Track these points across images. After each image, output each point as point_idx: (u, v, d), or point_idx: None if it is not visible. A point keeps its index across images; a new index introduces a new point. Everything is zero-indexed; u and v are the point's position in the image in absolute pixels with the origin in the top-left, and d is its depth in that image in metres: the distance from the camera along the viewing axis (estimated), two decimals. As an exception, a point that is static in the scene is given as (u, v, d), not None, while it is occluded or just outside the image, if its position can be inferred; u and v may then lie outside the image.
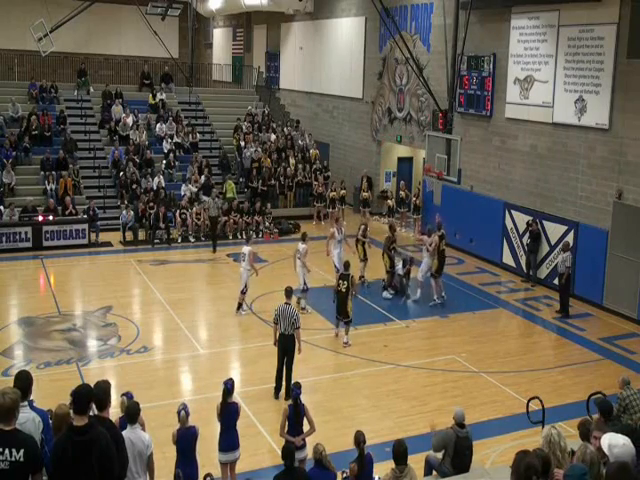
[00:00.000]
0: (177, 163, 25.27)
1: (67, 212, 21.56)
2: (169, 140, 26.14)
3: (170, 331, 14.89)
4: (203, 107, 29.65)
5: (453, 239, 20.22)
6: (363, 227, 18.18)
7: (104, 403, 5.88)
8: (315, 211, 25.34)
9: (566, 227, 17.63)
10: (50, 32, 28.52)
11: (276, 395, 11.79)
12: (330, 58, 28.65)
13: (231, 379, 8.89)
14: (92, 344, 14.06)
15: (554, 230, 18.03)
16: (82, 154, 24.85)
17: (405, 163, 26.64)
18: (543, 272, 18.49)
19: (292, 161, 26.35)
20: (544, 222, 18.36)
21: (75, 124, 26.31)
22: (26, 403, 5.48)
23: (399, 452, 7.34)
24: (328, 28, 28.78)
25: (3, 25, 34.36)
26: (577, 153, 17.35)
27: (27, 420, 5.41)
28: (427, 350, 14.36)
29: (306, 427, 9.04)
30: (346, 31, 27.50)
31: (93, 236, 21.13)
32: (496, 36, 19.84)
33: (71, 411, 5.41)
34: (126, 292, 17.45)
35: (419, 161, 24.30)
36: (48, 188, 22.48)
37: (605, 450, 5.11)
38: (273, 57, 33.83)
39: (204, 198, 22.97)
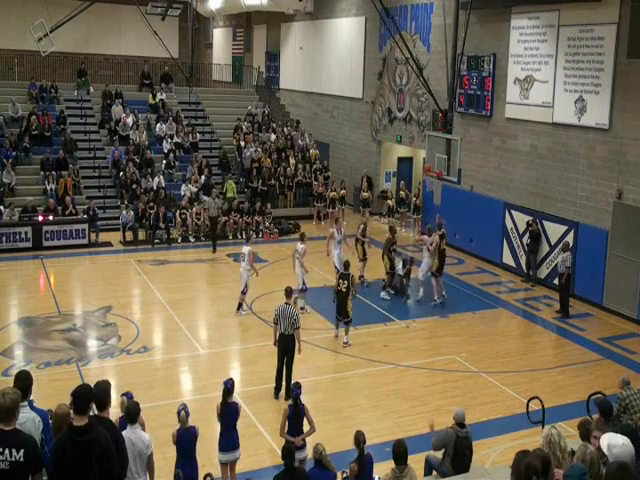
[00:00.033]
0: (177, 163, 25.28)
1: (67, 212, 21.56)
2: (169, 140, 26.15)
3: (170, 331, 14.89)
4: (203, 107, 29.65)
5: (453, 239, 20.22)
6: (362, 226, 18.19)
7: (104, 403, 5.88)
8: (315, 211, 25.34)
9: (566, 227, 17.63)
10: (50, 32, 28.56)
11: (276, 395, 11.79)
12: (330, 58, 28.65)
13: (231, 379, 8.90)
14: (92, 344, 14.06)
15: (554, 230, 18.03)
16: (82, 154, 24.86)
17: (405, 163, 26.64)
18: (543, 272, 18.49)
19: (292, 161, 26.35)
20: (544, 222, 18.36)
21: (75, 124, 26.31)
22: (26, 403, 5.48)
23: (399, 452, 7.33)
24: (328, 28, 28.78)
25: (3, 25, 34.37)
26: (577, 153, 17.35)
27: (27, 420, 5.42)
28: (427, 350, 14.36)
29: (306, 427, 9.04)
30: (346, 31, 27.50)
31: (93, 236, 21.13)
32: (496, 36, 19.84)
33: (71, 411, 5.41)
34: (126, 292, 17.45)
35: (419, 161, 24.31)
36: (48, 188, 22.48)
37: (604, 450, 5.11)
38: (273, 57, 33.84)
39: (204, 198, 22.98)
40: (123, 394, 8.09)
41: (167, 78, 30.40)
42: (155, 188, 23.20)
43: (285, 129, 29.05)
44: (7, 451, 4.89)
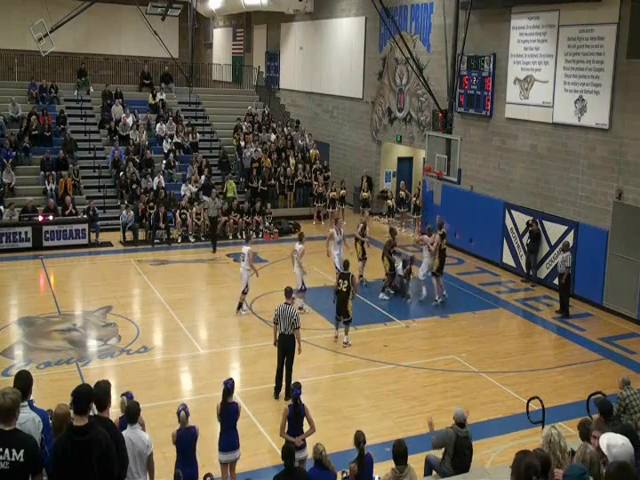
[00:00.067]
0: (177, 163, 25.28)
1: (67, 212, 21.56)
2: (169, 140, 26.15)
3: (170, 331, 14.89)
4: (203, 107, 29.65)
5: (453, 239, 20.22)
6: (362, 226, 18.21)
7: (104, 403, 5.88)
8: (315, 211, 25.34)
9: (566, 227, 17.63)
10: (50, 32, 28.56)
11: (276, 395, 11.79)
12: (330, 58, 28.65)
13: (231, 379, 8.90)
14: (92, 344, 14.06)
15: (554, 230, 18.03)
16: (82, 154, 24.86)
17: (405, 163, 26.64)
18: (543, 272, 18.49)
19: (292, 161, 26.35)
20: (544, 222, 18.36)
21: (75, 124, 26.31)
22: (26, 403, 5.48)
23: (399, 452, 7.33)
24: (328, 28, 28.78)
25: (3, 25, 34.38)
26: (577, 153, 17.35)
27: (27, 420, 5.42)
28: (427, 350, 14.36)
29: (306, 427, 9.04)
30: (346, 31, 27.50)
31: (93, 236, 21.13)
32: (496, 36, 19.84)
33: (71, 411, 5.41)
34: (126, 292, 17.46)
35: (419, 161, 24.31)
36: (48, 188, 22.48)
37: (604, 450, 5.11)
38: (273, 57, 33.84)
39: (204, 198, 22.98)
40: (123, 394, 8.09)
41: (167, 78, 30.41)
42: (155, 188, 23.20)
43: (285, 129, 29.05)
44: (7, 451, 4.89)
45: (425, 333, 15.41)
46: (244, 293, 15.66)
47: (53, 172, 22.87)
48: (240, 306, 15.75)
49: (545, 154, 18.34)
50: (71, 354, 13.38)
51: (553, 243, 18.07)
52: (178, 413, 8.29)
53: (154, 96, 28.28)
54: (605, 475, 4.74)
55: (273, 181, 25.44)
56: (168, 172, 24.74)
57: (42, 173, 23.07)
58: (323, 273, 18.32)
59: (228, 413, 8.80)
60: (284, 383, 11.68)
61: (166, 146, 25.84)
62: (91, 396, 5.41)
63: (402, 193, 24.20)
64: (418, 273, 17.32)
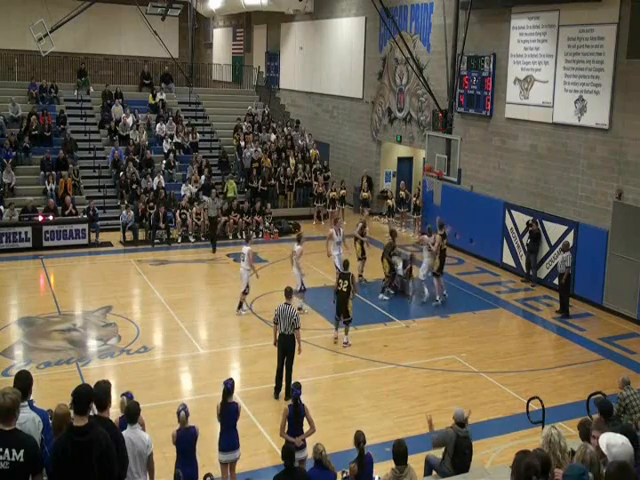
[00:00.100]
0: (177, 163, 25.28)
1: (67, 212, 21.56)
2: (169, 140, 26.15)
3: (170, 331, 14.89)
4: (203, 107, 29.65)
5: (453, 239, 20.20)
6: (361, 225, 18.23)
7: (104, 403, 5.88)
8: (315, 211, 25.34)
9: (566, 227, 17.63)
10: (50, 32, 28.57)
11: (276, 395, 11.79)
12: (330, 58, 28.65)
13: (231, 379, 8.90)
14: (92, 344, 14.06)
15: (554, 230, 18.03)
16: (82, 154, 24.87)
17: (405, 163, 26.64)
18: (543, 272, 18.49)
19: (292, 161, 26.35)
20: (544, 222, 18.36)
21: (75, 124, 26.32)
22: (26, 403, 5.48)
23: (399, 452, 7.33)
24: (328, 28, 28.78)
25: (3, 25, 34.38)
26: (577, 153, 17.35)
27: (27, 420, 5.42)
28: (427, 350, 14.36)
29: (306, 427, 9.04)
30: (346, 31, 27.50)
31: (93, 236, 21.13)
32: (496, 36, 19.84)
33: (71, 411, 5.41)
34: (126, 292, 17.46)
35: (419, 161, 24.31)
36: (48, 188, 22.49)
37: (603, 449, 5.11)
38: (273, 57, 33.84)
39: (204, 198, 22.98)
40: (123, 394, 8.10)
41: (167, 78, 30.41)
42: (155, 188, 23.21)
43: (285, 129, 29.05)
44: (7, 451, 4.90)
45: (425, 333, 15.41)
46: (245, 293, 15.66)
47: (53, 172, 22.87)
48: (240, 305, 15.74)
49: (545, 154, 18.34)
50: (71, 354, 13.38)
51: (553, 243, 18.07)
52: (178, 413, 8.29)
53: (154, 96, 28.28)
54: (605, 475, 4.74)
55: (273, 181, 25.44)
56: (168, 172, 24.74)
57: (42, 173, 23.08)
58: (323, 273, 18.32)
59: (228, 413, 8.80)
60: (284, 383, 11.68)
61: (166, 146, 25.84)
62: (91, 396, 5.41)
63: (402, 193, 24.20)
64: (419, 273, 17.32)
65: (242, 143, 26.49)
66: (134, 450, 6.78)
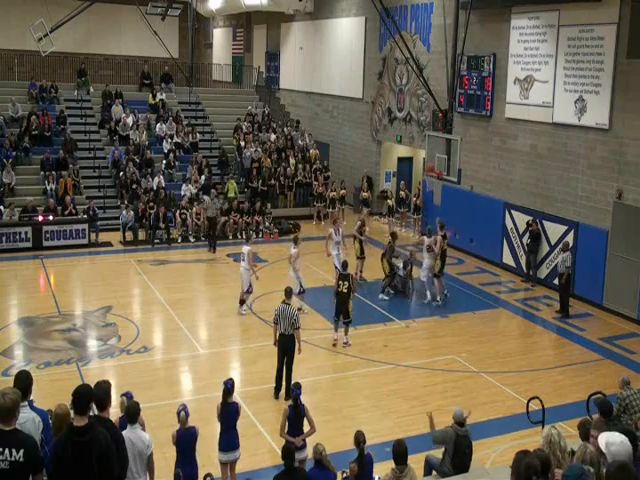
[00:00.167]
0: (177, 163, 25.28)
1: (67, 212, 21.56)
2: (169, 140, 26.15)
3: (170, 331, 14.89)
4: (203, 107, 29.65)
5: (453, 239, 20.20)
6: (359, 223, 18.26)
7: (104, 403, 5.88)
8: (315, 211, 25.34)
9: (566, 227, 17.63)
10: (50, 32, 28.57)
11: (276, 395, 11.79)
12: (330, 58, 28.66)
13: (231, 379, 8.90)
14: (92, 344, 14.06)
15: (554, 230, 18.03)
16: (82, 154, 24.87)
17: (405, 163, 26.64)
18: (543, 272, 18.49)
19: (292, 161, 26.35)
20: (544, 222, 18.36)
21: (75, 124, 26.32)
22: (26, 403, 5.48)
23: (399, 452, 7.33)
24: (328, 28, 28.78)
25: (3, 25, 34.38)
26: (577, 153, 17.35)
27: (27, 420, 5.42)
28: (427, 350, 14.35)
29: (306, 427, 9.04)
30: (346, 31, 27.50)
31: (93, 236, 21.13)
32: (496, 36, 19.84)
33: (71, 411, 5.41)
34: (126, 292, 17.46)
35: (419, 161, 24.31)
36: (48, 188, 22.49)
37: (602, 447, 5.12)
38: (273, 57, 33.84)
39: (205, 197, 22.97)
40: (123, 394, 8.10)
41: (167, 78, 30.41)
42: (155, 188, 23.21)
43: (285, 129, 29.05)
44: (7, 451, 4.90)
45: (425, 333, 15.41)
46: (249, 292, 15.65)
47: (53, 172, 22.87)
48: (243, 303, 15.72)
49: (545, 154, 18.34)
50: (71, 354, 13.38)
51: (553, 243, 18.07)
52: (178, 413, 8.29)
53: (154, 96, 28.28)
54: (605, 475, 4.74)
55: (273, 181, 25.44)
56: (168, 172, 24.74)
57: (42, 173, 23.08)
58: (322, 273, 18.32)
59: (228, 413, 8.80)
60: (284, 383, 11.68)
61: (166, 146, 25.84)
62: (91, 396, 5.41)
63: (402, 193, 24.19)
64: (420, 274, 17.28)
65: (242, 143, 26.49)
66: (134, 450, 6.78)
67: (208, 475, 7.90)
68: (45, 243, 20.45)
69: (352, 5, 27.08)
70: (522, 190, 19.20)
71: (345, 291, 13.94)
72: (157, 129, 26.54)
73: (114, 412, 7.42)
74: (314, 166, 26.55)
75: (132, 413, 7.16)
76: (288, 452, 7.33)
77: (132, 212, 21.73)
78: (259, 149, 26.15)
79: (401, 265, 17.52)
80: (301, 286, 16.01)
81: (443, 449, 8.51)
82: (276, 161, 26.12)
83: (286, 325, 11.61)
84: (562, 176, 17.81)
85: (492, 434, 10.73)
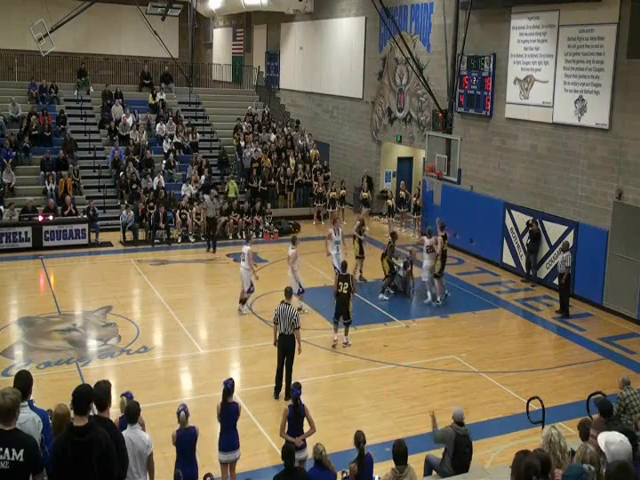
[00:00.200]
0: (177, 163, 25.28)
1: (67, 212, 21.56)
2: (169, 140, 26.15)
3: (170, 331, 14.89)
4: (203, 107, 29.65)
5: (453, 239, 20.20)
6: (359, 223, 18.26)
7: (104, 403, 5.88)
8: (315, 211, 25.34)
9: (566, 227, 17.63)
10: (50, 32, 28.56)
11: (276, 395, 11.79)
12: (330, 58, 28.66)
13: (231, 379, 8.90)
14: (92, 344, 14.06)
15: (554, 230, 18.03)
16: (82, 154, 24.87)
17: (405, 163, 26.64)
18: (543, 272, 18.49)
19: (292, 161, 26.35)
20: (544, 222, 18.36)
21: (75, 124, 26.32)
22: (26, 403, 5.48)
23: (399, 452, 7.33)
24: (328, 28, 28.78)
25: (3, 25, 34.38)
26: (577, 153, 17.35)
27: (27, 420, 5.42)
28: (427, 350, 14.35)
29: (306, 427, 9.03)
30: (346, 31, 27.50)
31: (93, 236, 21.13)
32: (496, 36, 19.84)
33: (71, 411, 5.41)
34: (126, 292, 17.46)
35: (419, 161, 24.31)
36: (48, 188, 22.49)
37: (602, 447, 5.12)
38: (273, 57, 33.84)
39: (205, 197, 22.97)
40: (123, 394, 8.10)
41: (167, 78, 30.41)
42: (155, 188, 23.21)
43: (285, 129, 29.05)
44: (7, 451, 4.90)
45: (425, 333, 15.41)
46: (250, 292, 15.65)
47: (53, 172, 22.87)
48: (244, 302, 15.71)
49: (545, 154, 18.34)
50: (71, 354, 13.38)
51: (553, 243, 18.07)
52: (178, 413, 8.29)
53: (154, 96, 28.28)
54: (605, 475, 4.75)
55: (273, 181, 25.44)
56: (168, 172, 24.74)
57: (42, 173, 23.08)
58: (322, 273, 18.32)
59: (228, 413, 8.80)
60: (284, 383, 11.68)
61: (166, 146, 25.84)
62: (91, 396, 5.41)
63: (402, 193, 24.18)
64: (421, 274, 17.25)
65: (242, 143, 26.49)
66: (134, 450, 6.78)
67: (208, 475, 7.90)
68: (45, 243, 20.45)
69: (352, 5, 27.08)
70: (522, 190, 19.20)
71: (345, 292, 13.92)
72: (157, 129, 26.54)
73: (114, 412, 7.42)
74: (314, 166, 26.55)
75: (132, 413, 7.16)
76: (288, 452, 7.33)
77: (132, 212, 21.74)
78: (259, 149, 26.15)
79: (401, 265, 17.52)
80: (300, 286, 16.00)
81: (443, 449, 8.51)
82: (276, 161, 26.12)
83: (286, 325, 11.60)
84: (562, 176, 17.82)
85: (492, 434, 10.73)
